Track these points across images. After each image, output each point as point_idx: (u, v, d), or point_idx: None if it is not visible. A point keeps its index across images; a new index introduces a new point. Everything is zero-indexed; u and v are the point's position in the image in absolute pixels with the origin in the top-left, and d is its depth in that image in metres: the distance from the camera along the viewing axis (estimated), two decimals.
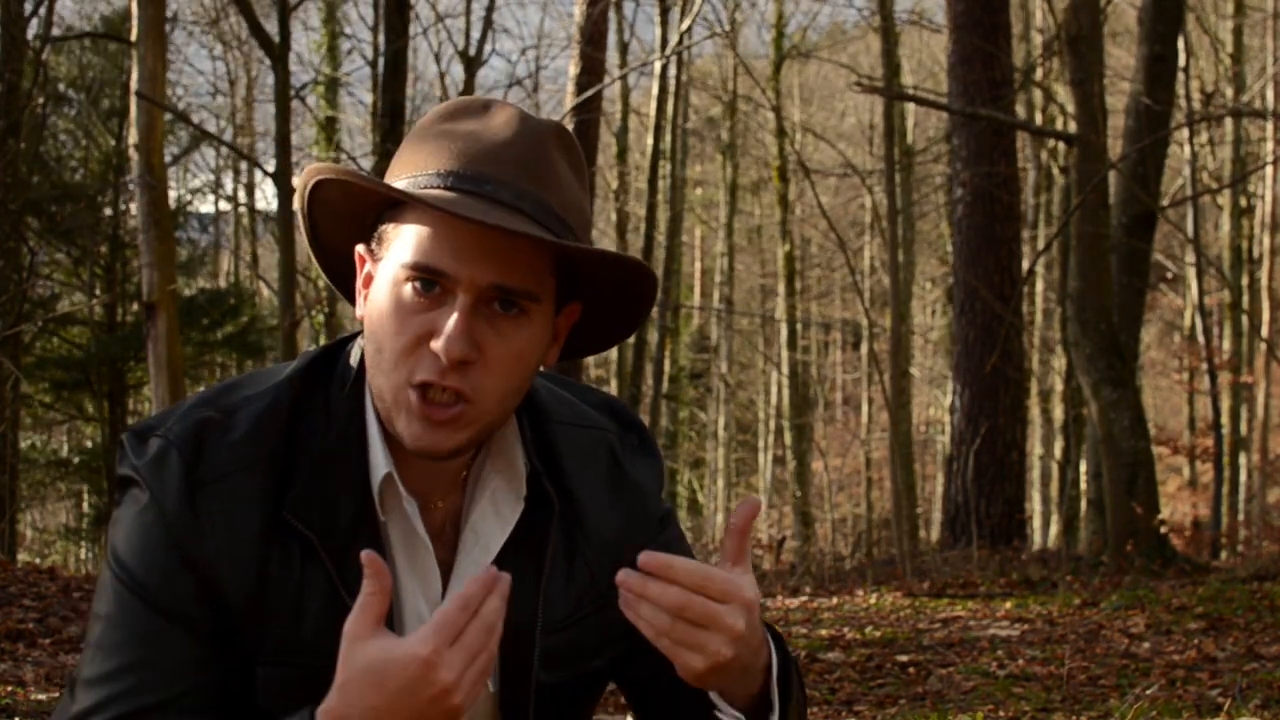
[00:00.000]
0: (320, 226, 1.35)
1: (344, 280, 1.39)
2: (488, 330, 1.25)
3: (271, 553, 1.27)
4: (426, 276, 1.24)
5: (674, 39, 15.72)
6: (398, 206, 1.28)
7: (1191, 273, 18.30)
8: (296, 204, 1.34)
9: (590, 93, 11.60)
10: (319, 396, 1.32)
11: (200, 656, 1.26)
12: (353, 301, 1.37)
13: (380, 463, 1.29)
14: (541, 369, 1.38)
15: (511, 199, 1.24)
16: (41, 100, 11.01)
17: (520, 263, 1.24)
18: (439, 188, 1.25)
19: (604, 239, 19.49)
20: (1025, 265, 12.21)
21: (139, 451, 1.28)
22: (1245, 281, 20.03)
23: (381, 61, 9.88)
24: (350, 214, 1.33)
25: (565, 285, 1.32)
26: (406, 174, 1.28)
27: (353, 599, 1.27)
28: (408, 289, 1.25)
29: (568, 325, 1.36)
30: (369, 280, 1.31)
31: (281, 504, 1.27)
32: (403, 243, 1.26)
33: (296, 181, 1.35)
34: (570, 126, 11.78)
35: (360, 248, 1.32)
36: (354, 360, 1.34)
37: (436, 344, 1.23)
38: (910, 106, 19.09)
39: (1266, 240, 20.87)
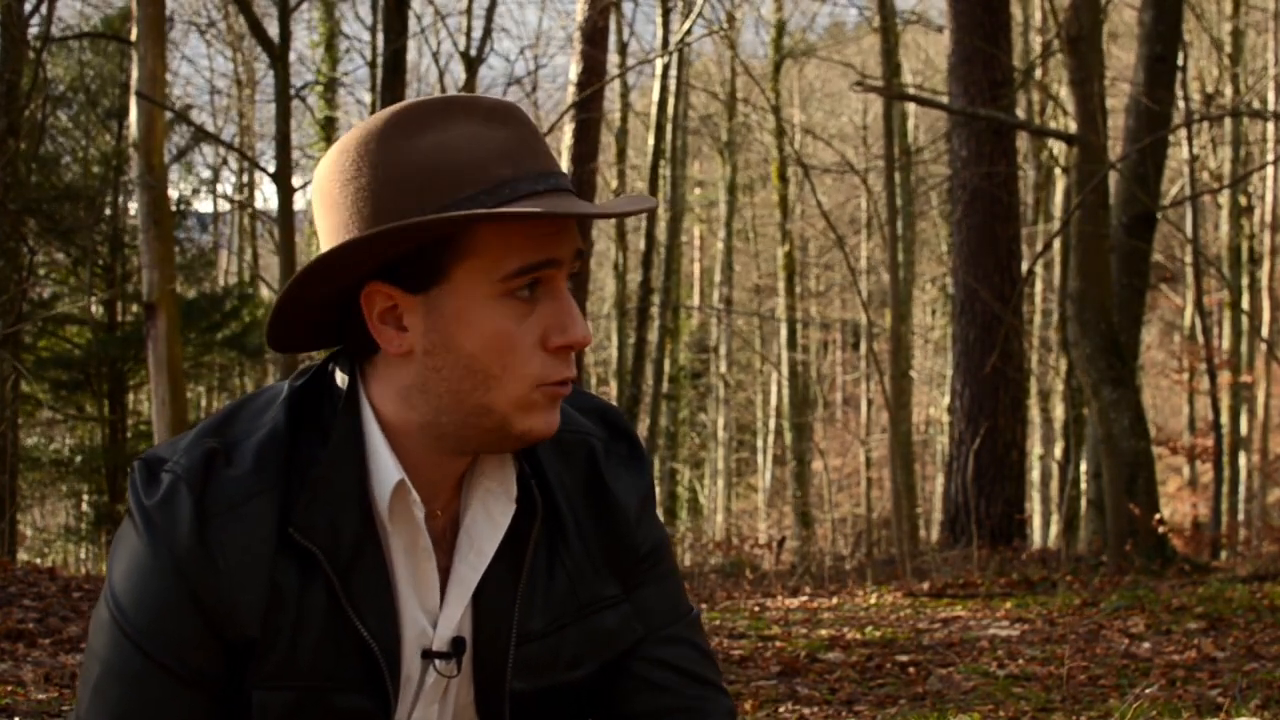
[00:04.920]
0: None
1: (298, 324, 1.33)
2: None
3: (278, 577, 1.27)
4: (536, 275, 1.25)
5: (674, 38, 15.73)
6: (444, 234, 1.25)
7: (1191, 273, 18.30)
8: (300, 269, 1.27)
9: (590, 91, 11.59)
10: (313, 419, 1.32)
11: (196, 706, 1.26)
12: (313, 344, 1.35)
13: (391, 473, 1.29)
14: None
15: (564, 183, 1.28)
16: (41, 100, 11.00)
17: (575, 230, 1.30)
18: (514, 198, 1.24)
19: (604, 238, 19.53)
20: (1025, 265, 12.21)
21: (149, 490, 1.27)
22: (1245, 281, 20.04)
23: (380, 61, 9.87)
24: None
25: None
26: (438, 203, 1.23)
27: (356, 614, 1.28)
28: (513, 299, 1.25)
29: None
30: (399, 315, 1.27)
31: (284, 528, 1.27)
32: (486, 259, 1.24)
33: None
34: (570, 126, 11.80)
35: (379, 284, 1.26)
36: (339, 381, 1.32)
37: (565, 337, 1.26)
38: (910, 106, 19.10)
39: (1266, 240, 20.88)
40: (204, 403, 19.74)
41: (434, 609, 1.34)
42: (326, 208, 1.29)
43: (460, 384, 1.27)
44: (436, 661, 1.34)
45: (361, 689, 1.30)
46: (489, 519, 1.35)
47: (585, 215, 1.23)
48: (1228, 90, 19.08)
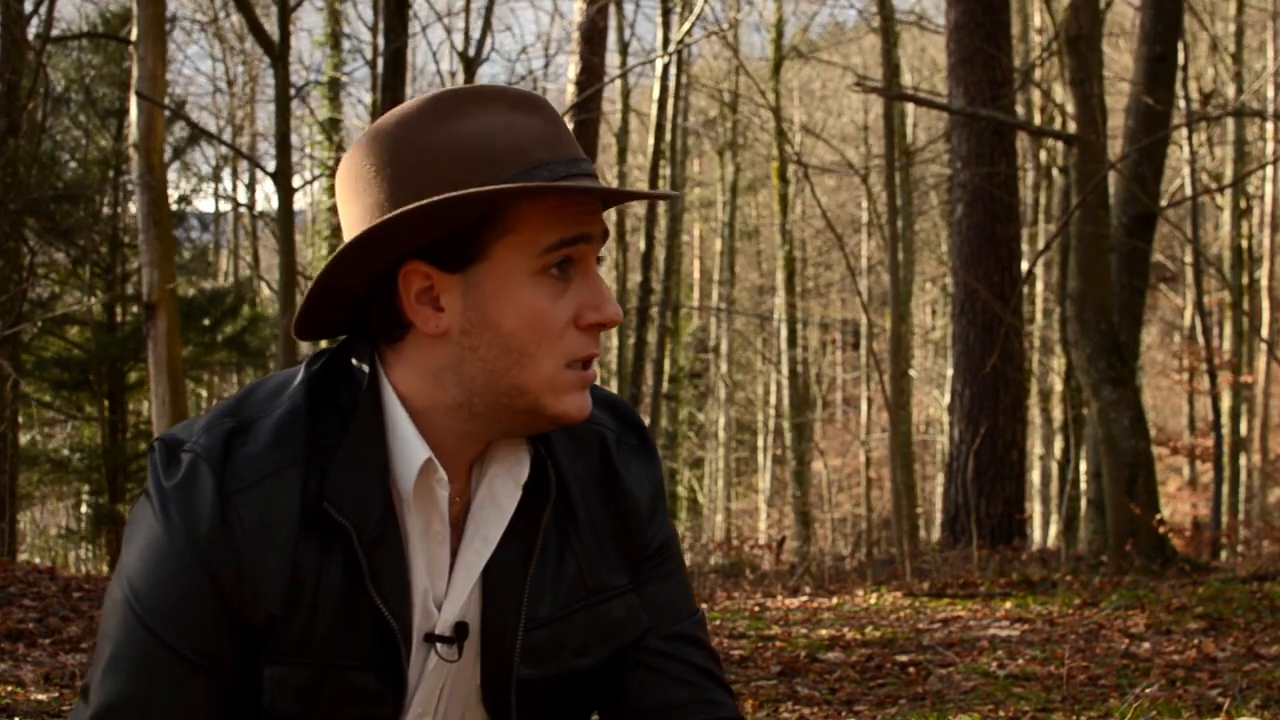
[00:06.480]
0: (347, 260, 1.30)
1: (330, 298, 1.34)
2: None
3: (299, 554, 1.27)
4: (571, 251, 1.29)
5: (675, 39, 15.74)
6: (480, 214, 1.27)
7: (1191, 273, 18.30)
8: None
9: (590, 92, 11.59)
10: (328, 400, 1.33)
11: (205, 691, 1.26)
12: (339, 331, 1.35)
13: (418, 451, 1.29)
14: None
15: (591, 168, 1.32)
16: (41, 100, 10.99)
17: (601, 213, 1.34)
18: (551, 179, 1.27)
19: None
20: (1025, 265, 12.21)
21: (169, 471, 1.27)
22: (1245, 281, 20.04)
23: (381, 61, 9.86)
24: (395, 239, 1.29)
25: None
26: (477, 183, 1.25)
27: (378, 593, 1.29)
28: (549, 277, 1.29)
29: None
30: (436, 295, 1.28)
31: (308, 504, 1.27)
32: (524, 236, 1.27)
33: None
34: (570, 126, 11.81)
35: (417, 263, 1.28)
36: (358, 364, 1.33)
37: (598, 314, 1.30)
38: (910, 106, 19.10)
39: (1266, 240, 20.90)
40: (204, 403, 19.75)
41: (440, 593, 1.35)
42: (359, 190, 1.29)
43: (495, 363, 1.29)
44: (438, 645, 1.34)
45: (374, 668, 1.30)
46: (495, 505, 1.36)
47: (621, 193, 1.29)
48: (1229, 90, 19.09)
